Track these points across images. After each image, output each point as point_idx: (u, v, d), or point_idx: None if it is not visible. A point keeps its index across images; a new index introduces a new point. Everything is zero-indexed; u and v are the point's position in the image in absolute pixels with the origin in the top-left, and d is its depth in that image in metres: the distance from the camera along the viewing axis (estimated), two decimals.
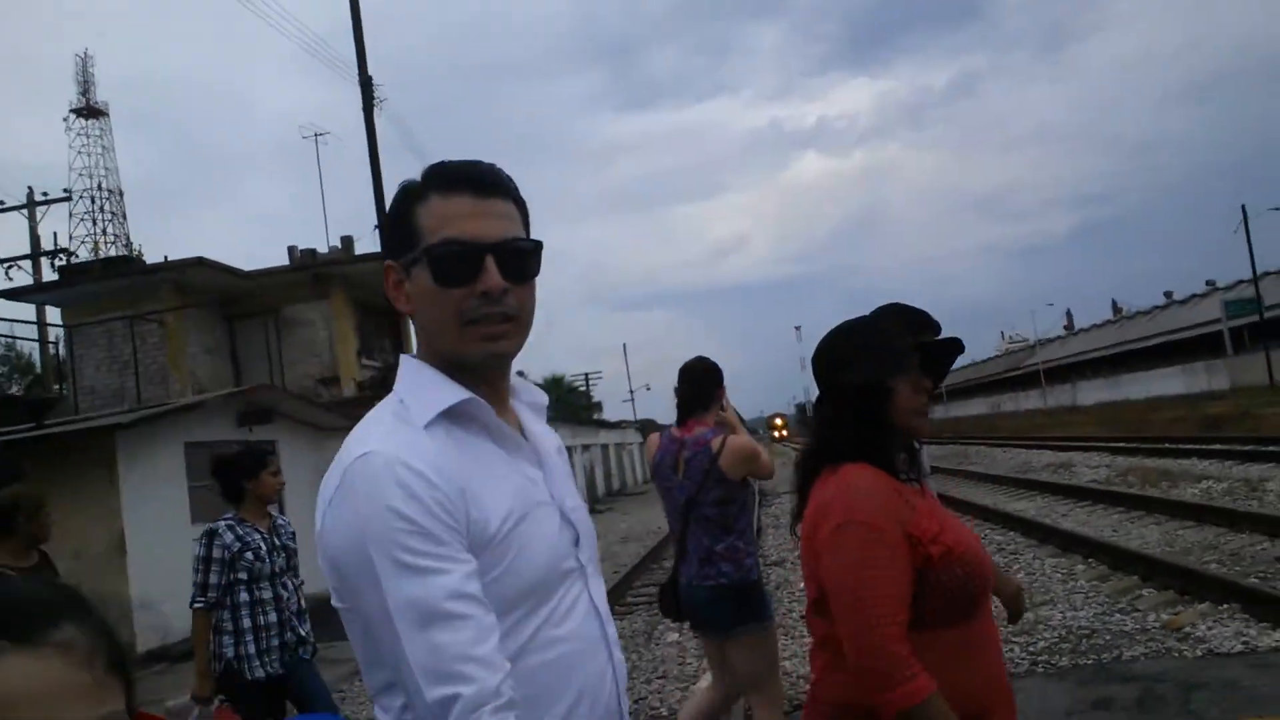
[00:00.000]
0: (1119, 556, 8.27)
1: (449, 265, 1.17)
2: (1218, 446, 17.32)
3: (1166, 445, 19.27)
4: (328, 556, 1.12)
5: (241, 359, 18.46)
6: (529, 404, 1.36)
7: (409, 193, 1.24)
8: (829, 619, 1.73)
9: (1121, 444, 22.12)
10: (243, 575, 3.85)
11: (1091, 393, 68.46)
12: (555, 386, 46.81)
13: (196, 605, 3.84)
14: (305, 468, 14.79)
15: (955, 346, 1.97)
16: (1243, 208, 44.56)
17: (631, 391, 64.91)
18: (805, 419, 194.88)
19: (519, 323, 1.22)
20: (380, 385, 19.05)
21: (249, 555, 3.87)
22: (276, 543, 4.03)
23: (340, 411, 15.22)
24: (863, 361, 1.82)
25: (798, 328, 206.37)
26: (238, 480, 3.99)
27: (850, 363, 1.83)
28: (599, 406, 77.00)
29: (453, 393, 1.18)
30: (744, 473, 3.68)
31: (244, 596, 3.86)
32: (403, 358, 1.28)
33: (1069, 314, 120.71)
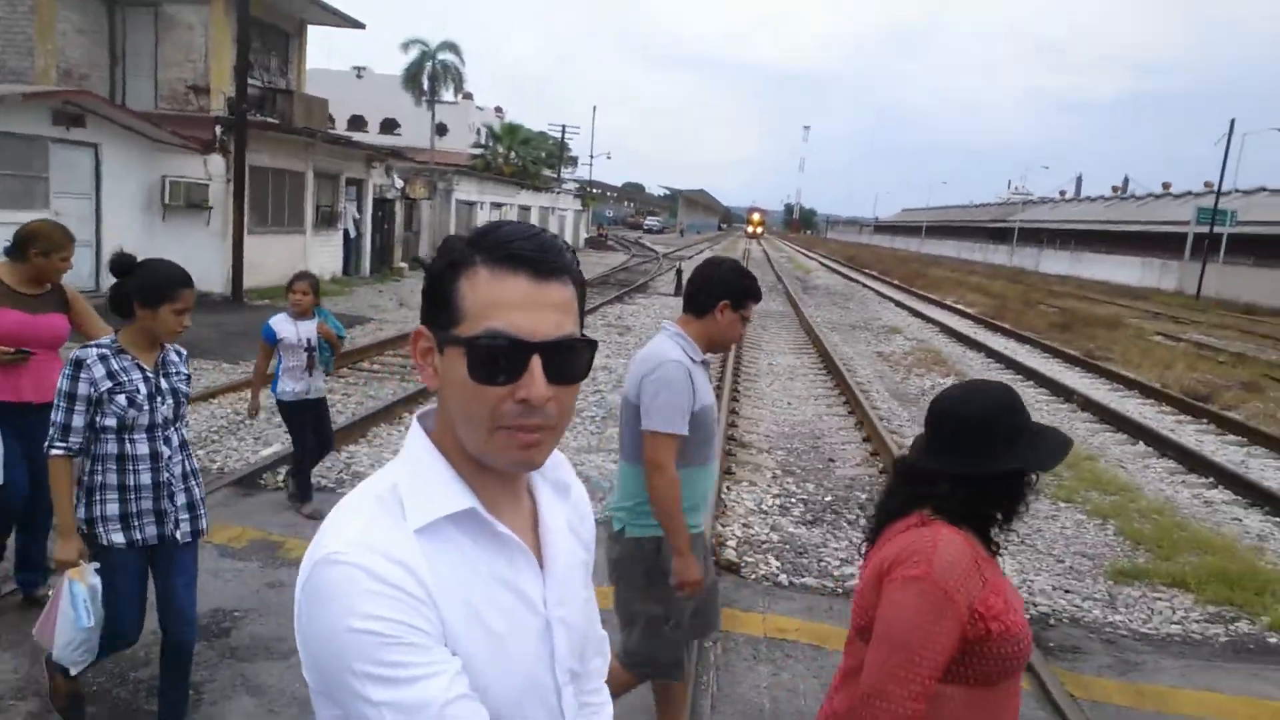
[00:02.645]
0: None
1: (489, 362, 1.03)
2: (1012, 353, 18.40)
3: (979, 334, 20.36)
4: (305, 653, 1.05)
5: (117, 49, 18.50)
6: (552, 482, 1.24)
7: (456, 256, 1.07)
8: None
9: (965, 320, 23.20)
10: (110, 422, 3.03)
11: (1054, 262, 69.07)
12: (509, 135, 46.33)
13: (54, 451, 3.02)
14: (131, 180, 15.43)
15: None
16: (1231, 122, 43.35)
17: (592, 157, 64.36)
18: (791, 220, 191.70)
19: (556, 429, 1.09)
20: (257, 106, 19.28)
21: (121, 399, 3.03)
22: (163, 385, 3.14)
23: (181, 129, 15.64)
24: (1029, 449, 1.83)
25: (806, 128, 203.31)
26: (128, 297, 3.08)
27: (1016, 444, 1.83)
28: (574, 161, 76.26)
29: (456, 498, 1.08)
30: None
31: (110, 448, 3.06)
32: (414, 427, 1.15)
33: (1079, 180, 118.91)
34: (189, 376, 3.30)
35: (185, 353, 3.33)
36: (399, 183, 24.04)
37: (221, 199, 16.15)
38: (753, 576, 5.55)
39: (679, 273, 26.88)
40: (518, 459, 1.08)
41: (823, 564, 5.87)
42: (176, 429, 3.21)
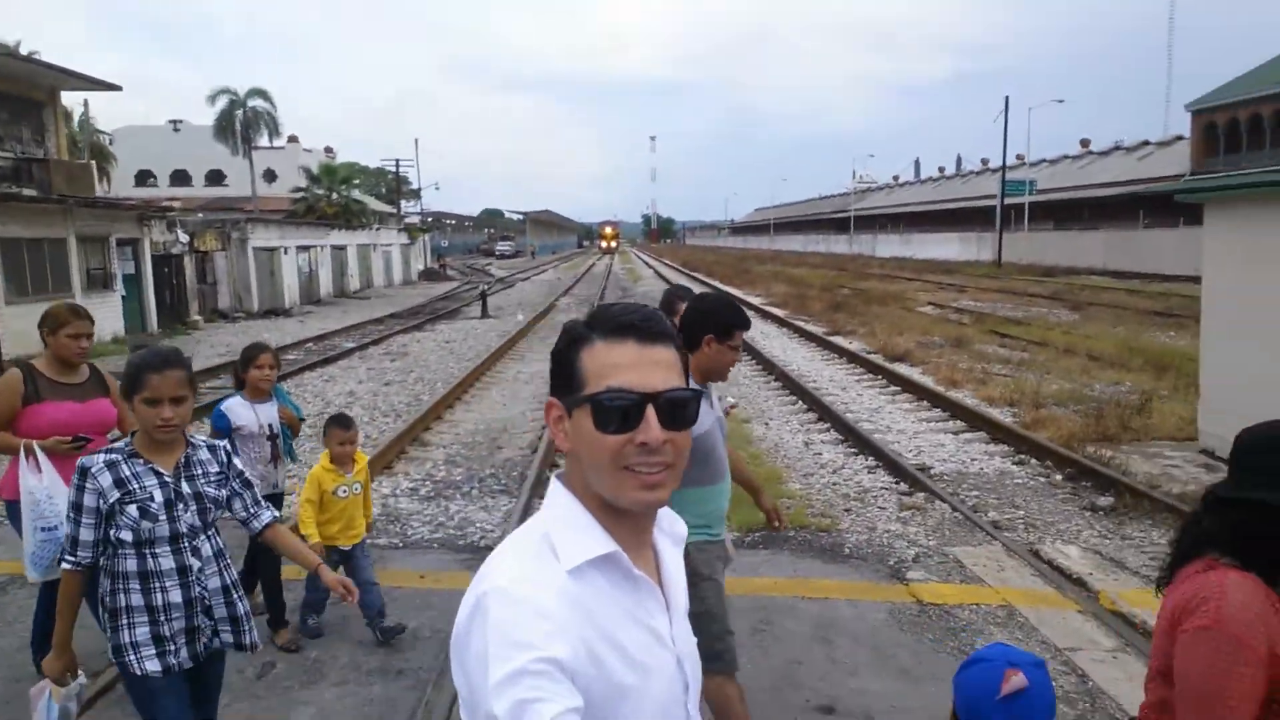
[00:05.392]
0: None
1: (611, 414, 1.21)
2: (763, 336, 20.06)
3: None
4: (463, 672, 1.18)
5: None
6: (669, 534, 1.38)
7: (575, 335, 1.27)
8: (1170, 690, 1.81)
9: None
10: (125, 535, 2.69)
11: (887, 246, 72.92)
12: (327, 176, 46.39)
13: (64, 565, 2.74)
14: None
15: None
16: (1005, 99, 47.16)
17: (420, 188, 64.95)
18: (650, 230, 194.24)
19: (675, 470, 1.25)
20: (13, 177, 19.40)
21: (132, 510, 2.69)
22: (185, 490, 2.79)
23: None
24: None
25: (653, 138, 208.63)
26: (128, 389, 2.76)
27: None
28: (417, 194, 76.49)
29: (601, 542, 1.22)
30: None
31: (130, 564, 2.72)
32: (554, 484, 1.31)
33: (916, 163, 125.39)
34: (225, 476, 2.93)
35: (224, 445, 3.00)
36: (184, 237, 24.24)
37: None
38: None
39: (483, 296, 27.83)
40: (644, 497, 1.23)
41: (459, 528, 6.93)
42: (209, 537, 2.87)
